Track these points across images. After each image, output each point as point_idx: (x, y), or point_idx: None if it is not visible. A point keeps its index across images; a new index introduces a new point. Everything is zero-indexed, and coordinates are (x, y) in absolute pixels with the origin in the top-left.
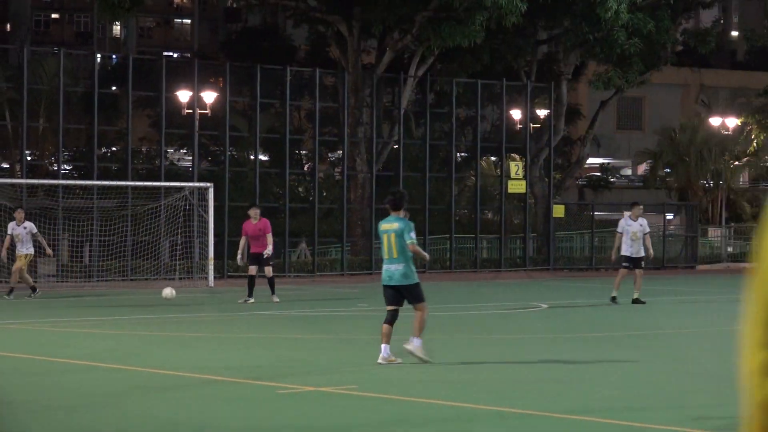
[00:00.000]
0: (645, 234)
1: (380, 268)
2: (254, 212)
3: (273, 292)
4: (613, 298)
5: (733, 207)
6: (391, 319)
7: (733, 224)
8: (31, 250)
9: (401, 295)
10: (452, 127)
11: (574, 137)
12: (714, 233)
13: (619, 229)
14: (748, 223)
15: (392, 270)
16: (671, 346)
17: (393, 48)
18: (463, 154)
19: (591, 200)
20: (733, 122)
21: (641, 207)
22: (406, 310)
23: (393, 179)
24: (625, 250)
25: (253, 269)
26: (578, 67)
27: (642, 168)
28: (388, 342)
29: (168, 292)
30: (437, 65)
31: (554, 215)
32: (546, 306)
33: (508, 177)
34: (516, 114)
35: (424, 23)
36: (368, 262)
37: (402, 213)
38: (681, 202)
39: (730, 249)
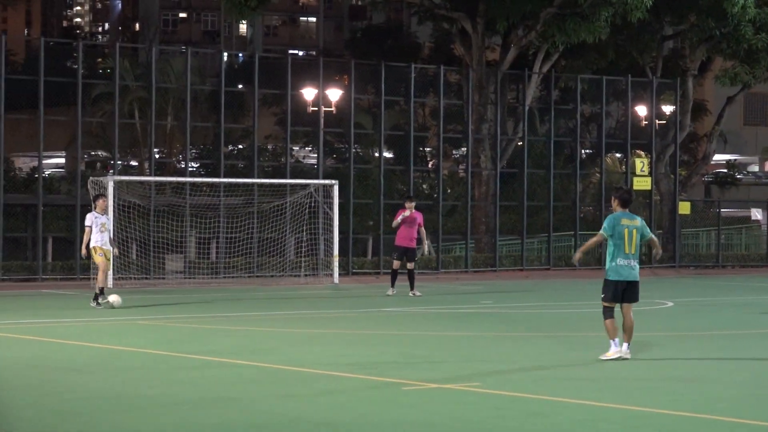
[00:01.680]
0: None
1: (504, 265)
2: (410, 204)
3: (413, 287)
4: None
5: None
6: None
7: None
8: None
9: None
10: (577, 123)
11: (700, 133)
12: None
13: None
14: None
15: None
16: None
17: (517, 44)
18: (587, 150)
19: (717, 197)
20: None
21: None
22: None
23: (517, 176)
24: None
25: (398, 263)
26: (704, 63)
27: None
28: (615, 337)
29: (114, 298)
30: (561, 62)
31: (680, 212)
32: (672, 304)
33: (634, 174)
34: (641, 110)
35: (549, 19)
36: (492, 259)
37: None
38: None
39: None
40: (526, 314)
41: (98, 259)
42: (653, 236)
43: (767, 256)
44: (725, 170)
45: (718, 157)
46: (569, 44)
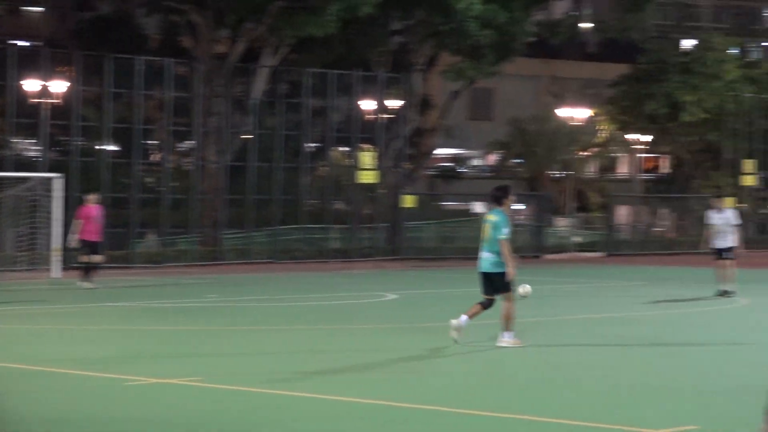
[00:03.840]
0: (731, 226)
1: (229, 258)
2: (94, 197)
3: (88, 279)
4: (724, 292)
5: (581, 197)
6: (487, 305)
7: (580, 214)
8: None
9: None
10: (304, 117)
11: (426, 128)
12: (562, 223)
13: (707, 222)
14: (595, 213)
15: (484, 257)
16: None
17: (246, 38)
18: (315, 144)
19: (441, 190)
20: (583, 113)
21: (726, 199)
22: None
23: (245, 169)
24: (714, 243)
25: (86, 257)
26: (431, 58)
27: (492, 158)
28: (470, 316)
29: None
30: (291, 55)
31: (405, 205)
32: (395, 296)
33: (360, 167)
34: (368, 105)
35: (278, 13)
36: (217, 252)
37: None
38: (530, 192)
39: (577, 239)
40: (251, 307)
41: None
42: (503, 239)
43: None
44: (450, 164)
45: (443, 151)
46: (298, 38)
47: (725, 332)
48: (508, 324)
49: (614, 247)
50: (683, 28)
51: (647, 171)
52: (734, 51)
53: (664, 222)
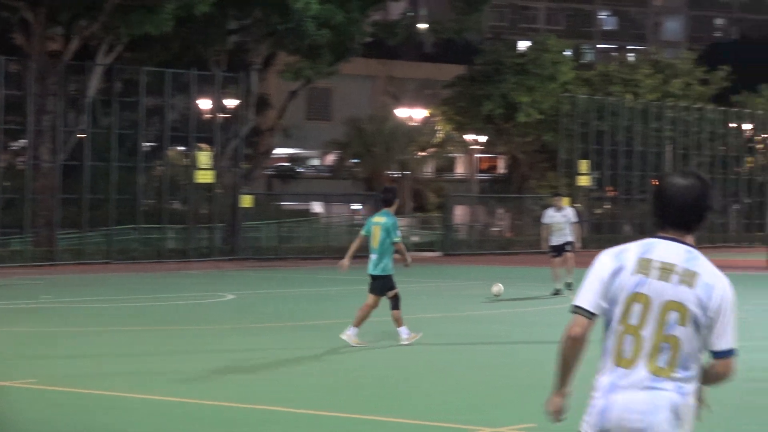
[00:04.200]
0: (571, 223)
1: (63, 259)
2: None
3: None
4: (558, 291)
5: (419, 197)
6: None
7: (418, 214)
8: None
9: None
10: (140, 116)
11: (264, 127)
12: (399, 223)
13: (544, 221)
14: (432, 213)
15: (373, 260)
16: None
17: (80, 35)
18: (151, 143)
19: (279, 190)
20: (420, 113)
21: (563, 198)
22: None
23: (79, 169)
24: (551, 240)
25: None
26: (268, 58)
27: (330, 158)
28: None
29: None
30: (126, 53)
31: (242, 205)
32: (233, 296)
33: (196, 167)
34: (205, 104)
35: (113, 11)
36: (51, 253)
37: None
38: (368, 192)
39: (415, 238)
40: (87, 309)
41: None
42: (400, 242)
43: (326, 248)
44: (287, 164)
45: (281, 151)
46: (133, 36)
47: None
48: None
49: (452, 247)
50: (519, 30)
51: (484, 171)
52: (568, 53)
53: (501, 222)
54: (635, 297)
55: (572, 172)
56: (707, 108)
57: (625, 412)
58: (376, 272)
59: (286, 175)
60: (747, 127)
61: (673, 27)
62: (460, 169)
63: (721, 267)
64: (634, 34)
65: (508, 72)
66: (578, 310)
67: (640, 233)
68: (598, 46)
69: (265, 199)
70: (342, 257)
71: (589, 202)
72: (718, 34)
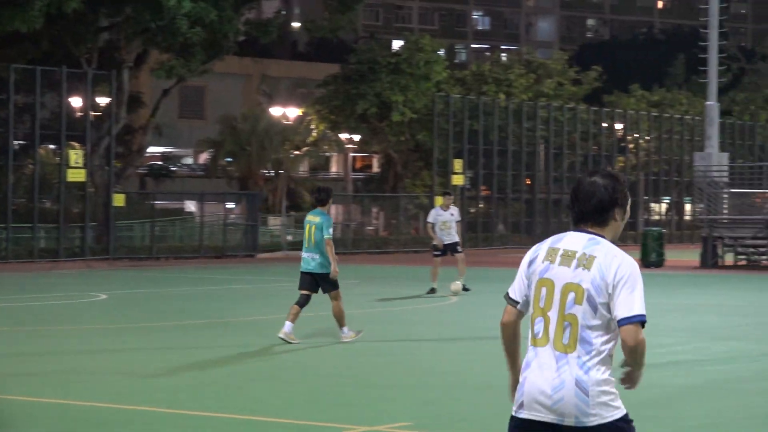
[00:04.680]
0: (457, 222)
1: None
2: None
3: None
4: (433, 289)
5: (293, 196)
6: (303, 302)
7: (292, 213)
8: None
9: (316, 282)
10: (10, 114)
11: (136, 126)
12: (274, 222)
13: (430, 219)
14: (307, 211)
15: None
16: (233, 334)
17: None
18: (21, 142)
19: (152, 189)
20: (294, 112)
21: (452, 197)
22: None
23: None
24: (442, 238)
25: None
26: (140, 55)
27: (203, 157)
28: (292, 321)
29: None
30: None
31: (115, 204)
32: (105, 296)
33: (68, 165)
34: (76, 102)
35: None
36: None
37: (327, 208)
38: (242, 191)
39: (289, 237)
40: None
41: None
42: (330, 239)
43: (200, 247)
44: (160, 162)
45: (154, 150)
46: (2, 33)
47: (439, 329)
48: (342, 320)
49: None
50: (393, 29)
51: (358, 170)
52: (442, 52)
53: (376, 221)
54: (542, 282)
55: (446, 172)
56: (579, 108)
57: (536, 387)
58: (317, 270)
59: (160, 173)
60: (619, 126)
61: (545, 27)
62: (334, 168)
63: None
64: (507, 34)
65: (382, 71)
66: (506, 299)
67: (514, 232)
68: (471, 45)
69: (138, 197)
70: (217, 256)
71: (463, 202)
72: (589, 35)
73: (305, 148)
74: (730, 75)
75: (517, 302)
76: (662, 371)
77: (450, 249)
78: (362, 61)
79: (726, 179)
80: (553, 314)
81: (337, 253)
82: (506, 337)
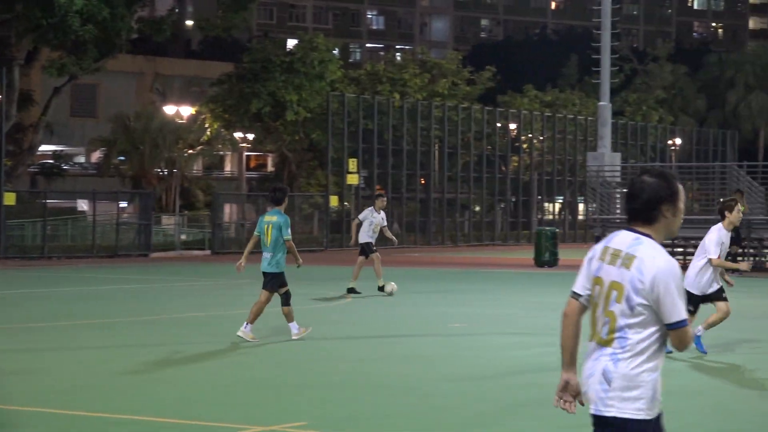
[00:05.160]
0: (383, 226)
1: None
2: None
3: None
4: (351, 289)
5: (187, 195)
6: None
7: (186, 212)
8: None
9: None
10: None
11: (27, 124)
12: (168, 221)
13: (362, 218)
14: (201, 211)
15: (265, 257)
16: (125, 334)
17: None
18: None
19: (44, 188)
20: (187, 111)
21: (385, 199)
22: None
23: None
24: (366, 239)
25: None
26: (31, 53)
27: (96, 156)
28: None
29: None
30: None
31: (5, 203)
32: None
33: None
34: None
35: None
36: None
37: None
38: (135, 190)
39: (183, 237)
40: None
41: None
42: (290, 239)
43: (93, 246)
44: (52, 161)
45: (45, 148)
46: None
47: (335, 328)
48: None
49: (221, 246)
50: (287, 28)
51: (253, 169)
52: (336, 52)
53: None
54: (596, 280)
55: (341, 171)
56: (474, 108)
57: (584, 377)
58: (270, 269)
59: (51, 172)
60: (512, 126)
61: (439, 27)
62: (228, 167)
63: (489, 265)
64: (401, 34)
65: (276, 70)
66: (571, 293)
67: (409, 231)
68: (366, 45)
69: (30, 196)
70: (110, 255)
71: (358, 201)
72: (483, 35)
73: (199, 147)
74: (623, 76)
75: (580, 295)
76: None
77: (370, 250)
78: (256, 60)
79: (618, 179)
80: (600, 310)
81: (230, 253)
82: (565, 329)
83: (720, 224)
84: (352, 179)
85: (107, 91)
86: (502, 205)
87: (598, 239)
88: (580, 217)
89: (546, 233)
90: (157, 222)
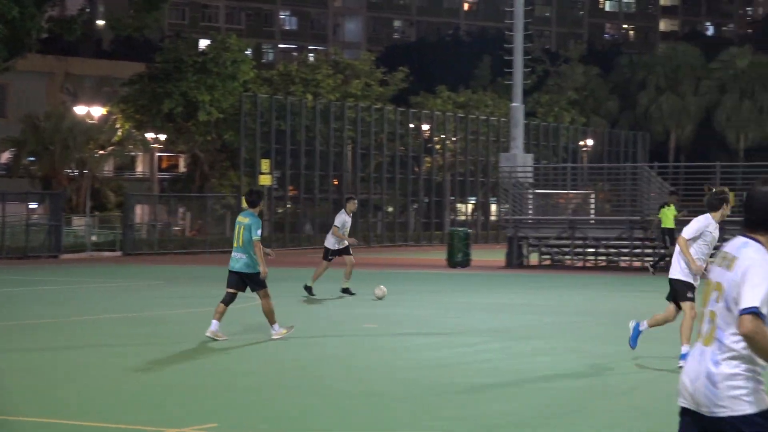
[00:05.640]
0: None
1: None
2: None
3: None
4: (309, 288)
5: (98, 196)
6: (229, 300)
7: (97, 213)
8: None
9: (243, 281)
10: None
11: None
12: (78, 222)
13: (338, 224)
14: (112, 212)
15: (236, 257)
16: (33, 335)
17: None
18: None
19: None
20: (98, 111)
21: (356, 201)
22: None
23: None
24: (332, 244)
25: None
26: None
27: (5, 156)
28: (219, 319)
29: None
30: None
31: None
32: None
33: None
34: None
35: None
36: None
37: (257, 210)
38: (45, 191)
39: (94, 238)
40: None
41: None
42: (258, 240)
43: (2, 247)
44: None
45: None
46: None
47: (246, 331)
48: (272, 317)
49: (132, 247)
50: (199, 28)
51: (165, 170)
52: (249, 52)
53: (182, 221)
54: (709, 284)
55: (254, 172)
56: (387, 108)
57: (684, 377)
58: (246, 270)
59: None
60: (425, 127)
61: (352, 28)
62: (140, 168)
63: (402, 266)
64: (314, 35)
65: (188, 70)
66: None
67: (321, 232)
68: (279, 45)
69: None
70: (20, 257)
71: (270, 202)
72: (396, 36)
73: (110, 148)
74: (535, 77)
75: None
76: (468, 368)
77: (344, 252)
78: (168, 60)
79: (531, 180)
80: (706, 311)
81: (142, 254)
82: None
83: (708, 214)
84: (265, 180)
85: (17, 91)
86: (415, 206)
87: (510, 240)
88: (493, 218)
89: (459, 234)
90: (67, 223)
